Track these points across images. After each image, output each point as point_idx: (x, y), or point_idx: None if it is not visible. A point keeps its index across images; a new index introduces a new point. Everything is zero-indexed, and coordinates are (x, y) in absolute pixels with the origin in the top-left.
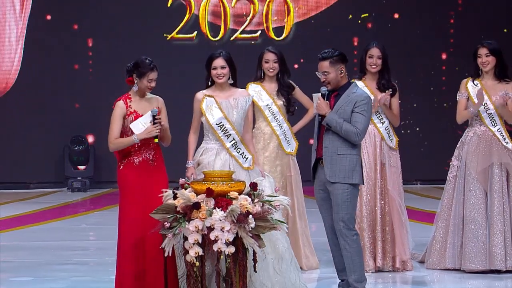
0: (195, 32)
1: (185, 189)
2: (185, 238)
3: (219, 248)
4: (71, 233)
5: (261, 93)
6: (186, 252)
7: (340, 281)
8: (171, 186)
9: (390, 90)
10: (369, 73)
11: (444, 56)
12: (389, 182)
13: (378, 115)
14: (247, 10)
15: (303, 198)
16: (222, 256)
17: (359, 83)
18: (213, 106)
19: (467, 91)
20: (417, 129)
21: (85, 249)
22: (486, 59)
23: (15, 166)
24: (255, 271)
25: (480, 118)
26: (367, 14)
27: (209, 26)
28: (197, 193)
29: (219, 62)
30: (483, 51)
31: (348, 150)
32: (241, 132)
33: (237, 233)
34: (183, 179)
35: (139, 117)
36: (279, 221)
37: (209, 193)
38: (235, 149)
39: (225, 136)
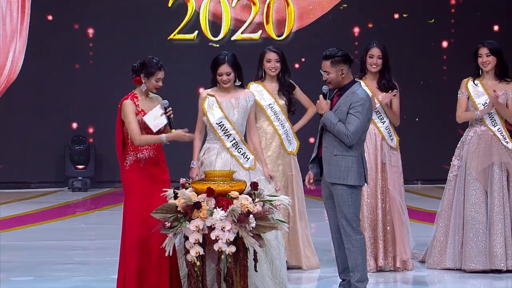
0: (196, 32)
1: (186, 188)
2: (186, 238)
3: (220, 248)
4: (71, 233)
5: (262, 93)
6: (187, 251)
7: (341, 280)
8: (172, 186)
9: (396, 90)
10: (370, 73)
11: (444, 56)
12: (390, 182)
13: (379, 114)
14: (248, 10)
15: (304, 197)
16: (223, 256)
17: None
18: (214, 105)
19: (467, 91)
20: (418, 128)
21: (86, 249)
22: (486, 59)
23: (15, 165)
24: (255, 270)
25: (480, 118)
26: (405, 15)
27: (209, 26)
28: (198, 193)
29: (224, 68)
30: (483, 50)
31: (344, 151)
32: (243, 132)
33: (238, 233)
34: (184, 179)
35: (149, 126)
36: (279, 220)
37: (210, 192)
38: (236, 149)
39: (225, 135)
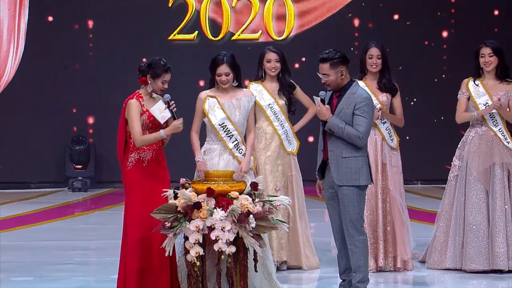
0: (196, 32)
1: (186, 188)
2: (186, 238)
3: (220, 248)
4: (71, 233)
5: (262, 93)
6: (187, 252)
7: (341, 281)
8: (172, 186)
9: (380, 109)
10: (370, 73)
11: (444, 56)
12: (390, 182)
13: None
14: (248, 10)
15: (304, 197)
16: (223, 256)
17: (360, 83)
18: (216, 107)
19: (468, 91)
20: (418, 128)
21: (86, 249)
22: (489, 59)
23: (15, 166)
24: (256, 271)
25: (481, 118)
26: (439, 13)
27: (209, 26)
28: (198, 193)
29: (223, 69)
30: (486, 50)
31: (353, 152)
32: (243, 132)
33: (237, 233)
34: (184, 179)
35: (152, 116)
36: (279, 220)
37: (210, 193)
38: (237, 149)
39: (228, 136)
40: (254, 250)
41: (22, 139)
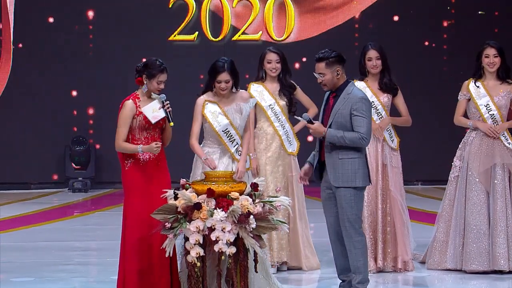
0: (196, 33)
1: (186, 189)
2: (186, 239)
3: (220, 249)
4: (72, 234)
5: (263, 93)
6: (187, 252)
7: (340, 281)
8: (173, 187)
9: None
10: (370, 75)
11: (444, 57)
12: (391, 183)
13: (380, 115)
14: (248, 10)
15: (304, 198)
16: (223, 257)
17: (361, 84)
18: (218, 113)
19: (469, 92)
20: (418, 129)
21: (86, 250)
22: (494, 60)
23: (16, 166)
24: (256, 271)
25: (482, 119)
26: (483, 12)
27: (210, 27)
28: (198, 194)
29: (223, 76)
30: (491, 51)
31: (349, 154)
32: (242, 134)
33: (238, 234)
34: (184, 179)
35: (148, 117)
36: (280, 221)
37: (210, 193)
38: (237, 152)
39: (230, 141)
40: (255, 251)
41: (23, 140)
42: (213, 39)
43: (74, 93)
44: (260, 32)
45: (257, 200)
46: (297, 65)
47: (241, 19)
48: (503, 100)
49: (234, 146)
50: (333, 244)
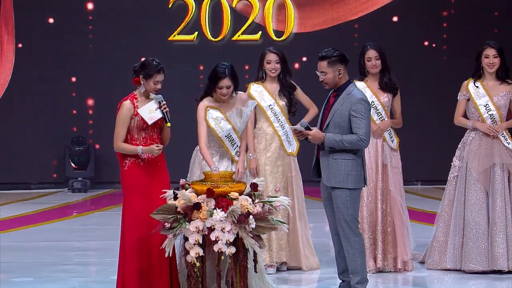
0: (196, 33)
1: (186, 189)
2: (186, 239)
3: (220, 249)
4: (71, 234)
5: (263, 94)
6: (187, 252)
7: (340, 281)
8: (172, 187)
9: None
10: (370, 75)
11: (445, 57)
12: (391, 183)
13: (380, 116)
14: (248, 10)
15: (304, 198)
16: (222, 257)
17: (361, 84)
18: (221, 118)
19: (468, 92)
20: (418, 129)
21: (86, 250)
22: (493, 60)
23: (16, 166)
24: (255, 271)
25: (481, 119)
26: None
27: (209, 27)
28: (198, 194)
29: (225, 82)
30: (491, 51)
31: (343, 154)
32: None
33: (237, 234)
34: (184, 180)
35: (144, 118)
36: (279, 221)
37: (210, 193)
38: (236, 154)
39: (231, 145)
40: (254, 251)
41: (23, 140)
42: (213, 39)
43: (74, 93)
44: (260, 32)
45: (256, 200)
46: (296, 65)
47: (241, 19)
48: (503, 100)
49: (234, 149)
50: (335, 244)
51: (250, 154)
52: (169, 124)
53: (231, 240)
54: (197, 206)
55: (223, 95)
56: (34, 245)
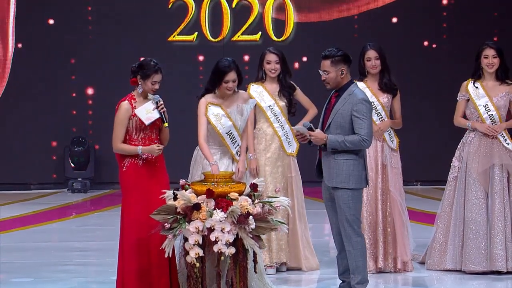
0: (195, 33)
1: (185, 190)
2: (185, 239)
3: (220, 249)
4: (71, 234)
5: (263, 94)
6: (187, 253)
7: (340, 282)
8: (172, 187)
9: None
10: (370, 75)
11: (444, 57)
12: (391, 183)
13: (380, 116)
14: (248, 11)
15: (303, 199)
16: (222, 257)
17: (361, 84)
18: (222, 115)
19: (467, 93)
20: (418, 130)
21: (86, 250)
22: (493, 60)
23: (15, 167)
24: (255, 271)
25: (481, 120)
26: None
27: (209, 27)
28: (198, 194)
29: (231, 76)
30: (490, 52)
31: (344, 155)
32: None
33: (237, 234)
34: (184, 180)
35: (141, 119)
36: (279, 221)
37: (210, 194)
38: (237, 153)
39: (232, 142)
40: (254, 252)
41: (22, 140)
42: (213, 39)
43: (74, 93)
44: (260, 32)
45: (256, 201)
46: (296, 65)
47: (241, 19)
48: (502, 101)
49: (235, 148)
50: (337, 244)
51: (250, 155)
52: (166, 124)
53: (231, 240)
54: (197, 207)
55: (229, 89)
56: (34, 245)
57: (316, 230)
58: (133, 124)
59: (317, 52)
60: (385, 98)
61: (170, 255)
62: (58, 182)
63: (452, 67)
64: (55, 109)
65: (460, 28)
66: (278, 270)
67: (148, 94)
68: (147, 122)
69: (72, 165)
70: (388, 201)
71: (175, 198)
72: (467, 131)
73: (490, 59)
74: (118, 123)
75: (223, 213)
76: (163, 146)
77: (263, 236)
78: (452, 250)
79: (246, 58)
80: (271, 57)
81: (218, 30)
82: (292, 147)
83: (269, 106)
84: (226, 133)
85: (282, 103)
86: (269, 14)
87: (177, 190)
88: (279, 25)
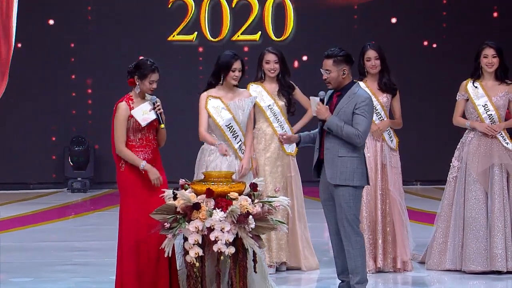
0: (195, 33)
1: (185, 189)
2: (185, 239)
3: (219, 249)
4: (71, 234)
5: (262, 94)
6: (186, 252)
7: (340, 282)
8: (171, 187)
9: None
10: (370, 75)
11: (444, 57)
12: (390, 183)
13: (379, 116)
14: (247, 10)
15: (303, 198)
16: (222, 257)
17: (360, 84)
18: (221, 107)
19: (467, 93)
20: (418, 129)
21: (85, 250)
22: (492, 60)
23: (15, 166)
24: (255, 271)
25: (480, 119)
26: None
27: (209, 27)
28: (197, 194)
29: (238, 64)
30: (490, 51)
31: (349, 152)
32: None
33: (237, 234)
34: (183, 180)
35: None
36: (279, 221)
37: (209, 193)
38: (240, 150)
39: (234, 137)
40: (254, 251)
41: (22, 140)
42: (212, 39)
43: (74, 93)
44: (259, 32)
45: (256, 200)
46: (296, 64)
47: (240, 19)
48: (501, 101)
49: (237, 143)
50: (334, 244)
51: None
52: (163, 126)
53: (231, 240)
54: (197, 206)
55: (235, 79)
56: (34, 245)
57: (315, 230)
58: (130, 125)
59: (317, 52)
60: (384, 98)
61: (170, 255)
62: (58, 182)
63: (452, 67)
64: (55, 109)
65: (460, 28)
66: (277, 270)
67: (146, 94)
68: (143, 123)
69: (72, 164)
70: (388, 200)
71: (174, 197)
72: (467, 131)
73: (489, 58)
74: (118, 124)
75: (222, 212)
76: (162, 180)
77: (262, 236)
78: (452, 250)
79: (246, 57)
80: (270, 57)
81: (218, 30)
82: (292, 147)
83: (269, 105)
84: (226, 125)
85: (282, 103)
86: (269, 13)
87: (177, 189)
88: (279, 24)
